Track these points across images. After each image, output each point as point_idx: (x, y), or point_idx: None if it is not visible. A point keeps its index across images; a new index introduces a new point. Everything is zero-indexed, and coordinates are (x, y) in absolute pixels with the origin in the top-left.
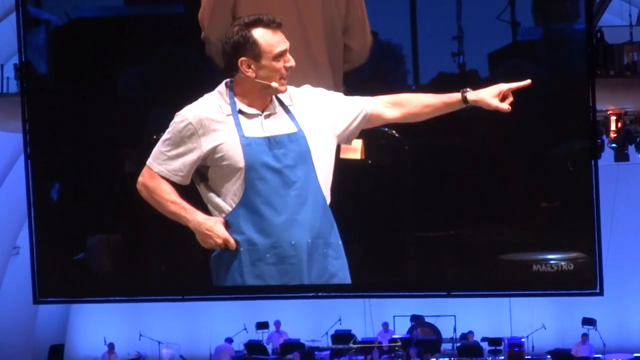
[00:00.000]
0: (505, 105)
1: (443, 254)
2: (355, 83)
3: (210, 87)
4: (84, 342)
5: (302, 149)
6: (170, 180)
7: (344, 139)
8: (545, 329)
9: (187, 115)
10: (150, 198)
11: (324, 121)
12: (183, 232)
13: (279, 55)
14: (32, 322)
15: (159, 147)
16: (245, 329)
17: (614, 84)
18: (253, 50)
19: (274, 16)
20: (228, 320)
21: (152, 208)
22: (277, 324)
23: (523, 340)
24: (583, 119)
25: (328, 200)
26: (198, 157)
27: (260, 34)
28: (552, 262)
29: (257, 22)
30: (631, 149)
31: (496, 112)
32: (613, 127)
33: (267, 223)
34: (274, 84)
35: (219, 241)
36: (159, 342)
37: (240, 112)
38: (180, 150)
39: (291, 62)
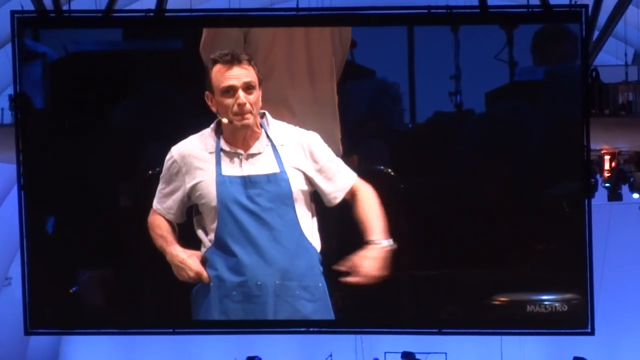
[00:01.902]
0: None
1: (437, 293)
2: (352, 121)
3: (207, 124)
4: None
5: (281, 191)
6: (166, 217)
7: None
8: None
9: (173, 152)
10: (150, 233)
11: (311, 173)
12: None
13: (226, 91)
14: (23, 353)
15: (159, 185)
16: None
17: (608, 123)
18: (210, 85)
19: (232, 51)
20: (219, 354)
21: (145, 242)
22: None
23: None
24: (577, 159)
25: (315, 242)
26: (183, 196)
27: (215, 70)
28: (546, 302)
29: (216, 59)
30: (625, 188)
31: (491, 152)
32: (607, 166)
33: (238, 262)
34: (224, 120)
35: (191, 274)
36: None
37: (222, 150)
38: (171, 187)
39: (240, 99)
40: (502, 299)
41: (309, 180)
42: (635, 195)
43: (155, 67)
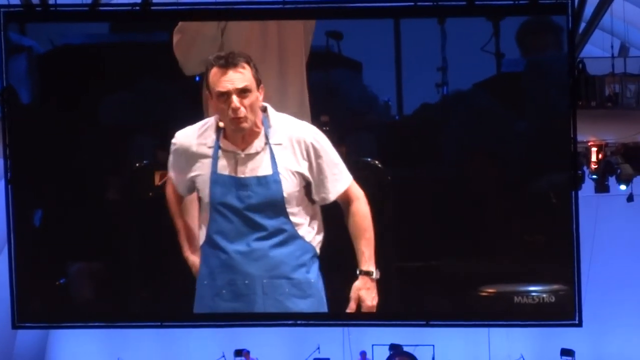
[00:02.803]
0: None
1: (424, 285)
2: (340, 114)
3: (194, 116)
4: None
5: (271, 193)
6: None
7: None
8: (523, 359)
9: (177, 140)
10: (168, 203)
11: (306, 172)
12: (163, 260)
13: (220, 96)
14: (10, 347)
15: (169, 158)
16: (223, 356)
17: (595, 115)
18: (208, 87)
19: (228, 54)
20: (207, 347)
21: (132, 235)
22: (246, 353)
23: None
24: (565, 150)
25: (311, 238)
26: (187, 179)
27: (212, 73)
28: (533, 294)
29: (212, 62)
30: (612, 180)
31: (479, 144)
32: (594, 158)
33: (227, 260)
34: (221, 123)
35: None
36: None
37: (221, 148)
38: (178, 169)
39: (234, 104)
40: (489, 290)
41: (304, 179)
42: (623, 187)
43: (143, 60)
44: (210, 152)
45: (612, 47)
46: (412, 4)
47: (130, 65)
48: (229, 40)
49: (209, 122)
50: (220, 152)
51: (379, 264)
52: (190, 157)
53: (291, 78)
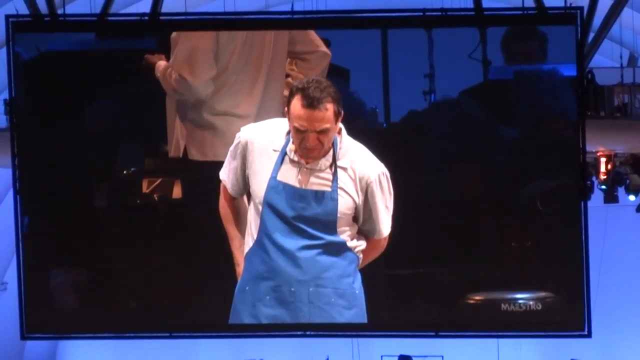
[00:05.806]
0: None
1: (430, 294)
2: None
3: None
4: None
5: (327, 209)
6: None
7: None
8: None
9: (242, 133)
10: (221, 209)
11: (358, 203)
12: (167, 268)
13: (295, 130)
14: (19, 358)
15: (227, 156)
16: None
17: (604, 125)
18: (288, 106)
19: (314, 91)
20: (217, 357)
21: (138, 241)
22: None
23: None
24: (557, 158)
25: (356, 250)
26: (243, 177)
27: (293, 103)
28: (528, 302)
29: (299, 92)
30: (620, 190)
31: (467, 151)
32: (603, 168)
33: (274, 266)
34: (289, 150)
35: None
36: None
37: (287, 154)
38: (233, 164)
39: (309, 143)
40: (485, 298)
41: (356, 209)
42: (632, 198)
43: (129, 67)
44: (274, 155)
45: (620, 57)
46: (421, 14)
47: (118, 71)
48: (221, 50)
49: (282, 123)
50: (285, 158)
51: (375, 272)
52: (252, 154)
53: (271, 86)
